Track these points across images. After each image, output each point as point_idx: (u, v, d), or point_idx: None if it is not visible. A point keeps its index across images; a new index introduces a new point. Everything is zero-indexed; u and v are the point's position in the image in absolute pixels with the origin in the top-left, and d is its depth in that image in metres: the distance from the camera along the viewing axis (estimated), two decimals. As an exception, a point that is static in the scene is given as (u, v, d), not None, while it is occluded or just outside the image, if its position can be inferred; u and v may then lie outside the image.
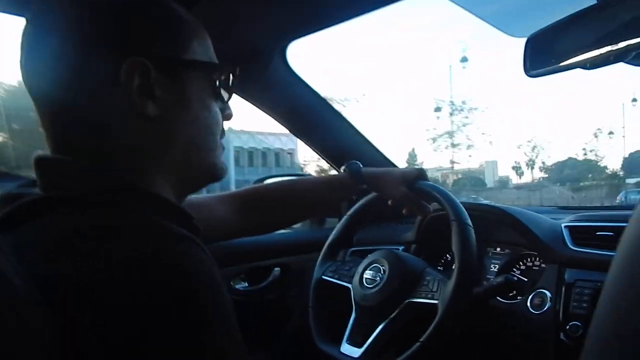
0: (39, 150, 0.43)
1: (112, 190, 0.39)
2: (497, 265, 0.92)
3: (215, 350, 0.34)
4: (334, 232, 0.93)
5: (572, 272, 0.75)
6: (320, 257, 0.91)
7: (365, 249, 1.04)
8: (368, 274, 0.79)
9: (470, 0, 0.72)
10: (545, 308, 0.75)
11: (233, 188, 1.13)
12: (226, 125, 0.51)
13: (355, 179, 0.81)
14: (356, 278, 0.81)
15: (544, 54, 0.67)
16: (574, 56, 0.65)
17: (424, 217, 0.97)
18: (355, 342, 0.76)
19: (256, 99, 0.98)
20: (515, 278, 0.85)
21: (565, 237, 0.79)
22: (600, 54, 0.62)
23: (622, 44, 0.52)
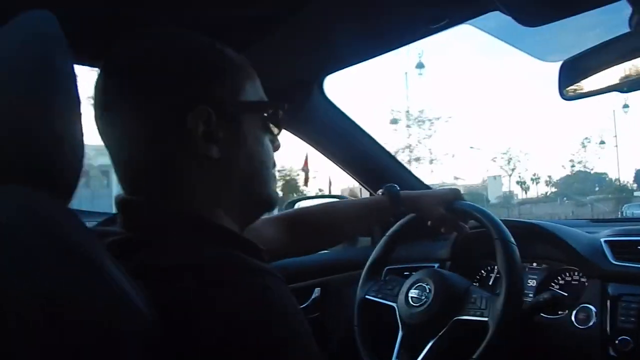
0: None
1: (190, 228, 0.42)
2: (535, 281, 0.93)
3: None
4: (374, 253, 0.95)
5: (616, 287, 0.77)
6: (362, 277, 0.93)
7: (401, 267, 1.07)
8: (413, 293, 0.82)
9: (501, 29, 0.76)
10: (592, 323, 0.76)
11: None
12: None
13: (393, 202, 0.84)
14: (401, 297, 0.83)
15: (579, 78, 0.71)
16: (609, 80, 0.69)
17: (461, 235, 0.99)
18: (405, 359, 0.78)
19: (296, 130, 1.03)
20: (566, 294, 0.86)
21: (606, 252, 0.81)
22: (636, 77, 0.65)
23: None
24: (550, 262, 0.92)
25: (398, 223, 0.94)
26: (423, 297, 0.79)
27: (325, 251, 1.22)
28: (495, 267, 1.02)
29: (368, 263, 0.94)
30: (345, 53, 0.86)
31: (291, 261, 1.06)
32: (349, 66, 0.90)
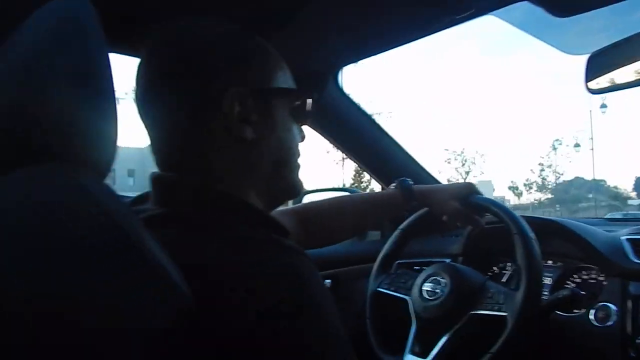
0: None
1: (223, 206, 0.43)
2: (550, 279, 0.92)
3: (337, 351, 0.37)
4: (387, 246, 0.94)
5: (637, 285, 0.75)
6: (374, 270, 0.93)
7: (412, 262, 1.06)
8: (428, 287, 0.81)
9: (526, 21, 0.75)
10: (611, 322, 0.75)
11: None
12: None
13: (406, 196, 0.83)
14: (415, 290, 0.83)
15: (605, 71, 0.70)
16: (636, 74, 0.68)
17: (476, 230, 0.98)
18: (418, 352, 0.77)
19: (312, 122, 1.02)
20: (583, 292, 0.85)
21: (627, 250, 0.80)
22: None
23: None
24: (567, 260, 0.91)
25: (411, 217, 0.93)
26: (438, 291, 0.79)
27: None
28: (509, 264, 1.01)
29: (380, 256, 0.94)
30: (364, 44, 0.85)
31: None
32: (366, 57, 0.89)
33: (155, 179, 0.46)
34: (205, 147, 0.46)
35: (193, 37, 0.46)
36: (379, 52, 0.88)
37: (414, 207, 0.89)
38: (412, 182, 0.85)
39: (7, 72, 0.36)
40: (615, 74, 0.69)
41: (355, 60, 0.91)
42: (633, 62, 0.67)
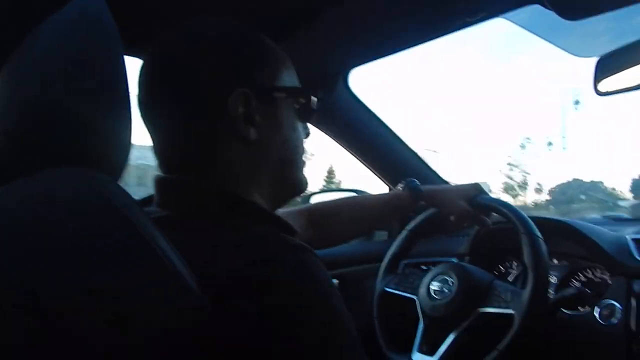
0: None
1: (229, 206, 0.43)
2: (556, 277, 0.93)
3: (348, 347, 0.36)
4: (394, 246, 0.95)
5: (642, 284, 0.77)
6: (382, 270, 0.94)
7: (419, 261, 1.07)
8: (435, 286, 0.82)
9: (535, 23, 0.76)
10: (616, 320, 0.76)
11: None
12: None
13: (414, 196, 0.84)
14: (422, 290, 0.84)
15: (614, 73, 0.70)
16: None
17: (483, 230, 0.99)
18: (426, 350, 0.78)
19: (319, 122, 1.03)
20: (589, 290, 0.86)
21: (632, 250, 0.81)
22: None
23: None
24: (571, 259, 0.92)
25: (419, 217, 0.94)
26: (445, 290, 0.80)
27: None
28: (515, 264, 1.02)
29: (388, 256, 0.95)
30: (375, 46, 0.85)
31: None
32: (376, 59, 0.89)
33: (159, 181, 0.46)
34: (209, 148, 0.45)
35: (195, 37, 0.46)
36: (389, 54, 0.88)
37: (421, 208, 0.90)
38: (418, 183, 0.86)
39: (23, 73, 0.36)
40: (624, 76, 0.70)
41: (365, 62, 0.92)
42: (642, 65, 0.68)
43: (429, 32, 0.80)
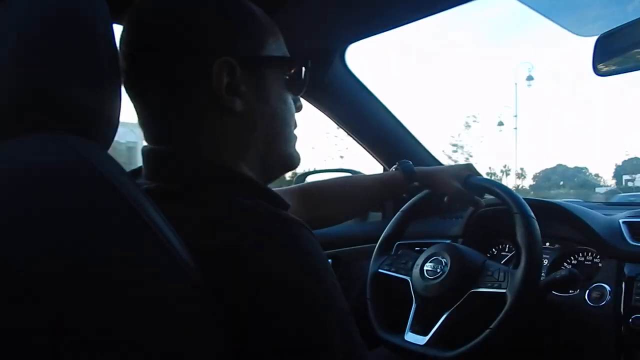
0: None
1: (218, 178, 0.42)
2: (547, 260, 0.94)
3: (339, 322, 0.36)
4: (388, 228, 0.95)
5: (632, 267, 0.77)
6: (375, 252, 0.94)
7: (413, 242, 1.07)
8: (429, 266, 0.82)
9: (538, 1, 0.74)
10: (605, 301, 0.77)
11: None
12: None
13: (407, 177, 0.84)
14: (416, 270, 0.84)
15: (615, 53, 0.69)
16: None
17: (476, 210, 0.99)
18: (419, 330, 0.79)
19: (315, 99, 1.01)
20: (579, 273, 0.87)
21: (624, 233, 0.81)
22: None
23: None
24: (564, 242, 0.93)
25: (413, 198, 0.94)
26: (439, 270, 0.80)
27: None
28: (508, 246, 1.03)
29: (381, 238, 0.95)
30: (372, 21, 0.83)
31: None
32: (373, 35, 0.87)
33: (147, 153, 0.45)
34: (195, 119, 0.44)
35: (180, 4, 0.44)
36: (386, 30, 0.86)
37: (415, 189, 0.90)
38: (412, 164, 0.85)
39: (6, 35, 0.34)
40: (624, 56, 0.69)
41: (362, 38, 0.90)
42: (642, 45, 0.67)
43: (426, 7, 0.78)
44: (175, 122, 0.44)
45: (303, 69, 0.50)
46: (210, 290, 0.33)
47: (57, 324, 0.26)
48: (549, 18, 0.75)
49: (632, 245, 0.79)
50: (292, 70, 0.50)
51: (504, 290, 0.71)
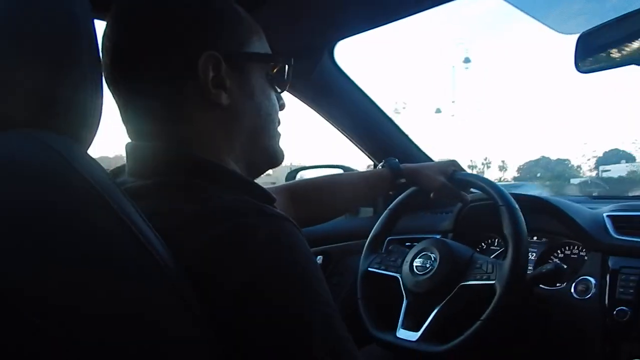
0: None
1: (202, 174, 0.42)
2: (534, 254, 0.96)
3: (323, 317, 0.36)
4: (376, 227, 0.96)
5: (616, 260, 0.79)
6: (364, 250, 0.94)
7: (403, 238, 1.08)
8: (418, 262, 0.83)
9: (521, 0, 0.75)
10: (590, 294, 0.78)
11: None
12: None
13: (394, 174, 0.85)
14: (405, 267, 0.85)
15: (596, 50, 0.70)
16: (628, 52, 0.68)
17: (464, 205, 1.01)
18: (410, 327, 0.80)
19: (304, 95, 1.01)
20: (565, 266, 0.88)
21: (608, 226, 0.83)
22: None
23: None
24: (550, 236, 0.94)
25: (400, 196, 0.95)
26: (428, 265, 0.81)
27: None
28: (497, 240, 1.04)
29: (370, 236, 0.95)
30: (361, 17, 0.83)
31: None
32: (363, 31, 0.87)
33: (130, 150, 0.45)
34: (180, 114, 0.44)
35: (166, 1, 0.44)
36: (376, 26, 0.86)
37: (403, 185, 0.91)
38: (397, 161, 0.86)
39: None
40: (606, 53, 0.70)
41: (351, 34, 0.90)
42: (625, 42, 0.68)
43: (415, 3, 0.78)
44: (160, 117, 0.44)
45: (286, 67, 0.51)
46: (192, 288, 0.33)
47: (25, 327, 0.26)
48: (529, 14, 0.76)
49: (616, 238, 0.81)
50: (276, 69, 0.50)
51: (493, 282, 0.72)
